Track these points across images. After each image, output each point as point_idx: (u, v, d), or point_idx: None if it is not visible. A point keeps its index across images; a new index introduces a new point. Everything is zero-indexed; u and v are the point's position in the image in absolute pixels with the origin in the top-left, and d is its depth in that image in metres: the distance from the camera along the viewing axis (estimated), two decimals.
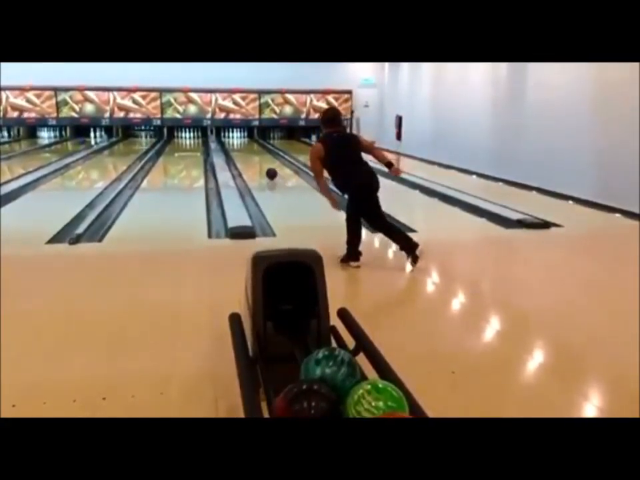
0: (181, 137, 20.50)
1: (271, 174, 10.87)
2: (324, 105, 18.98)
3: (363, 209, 5.05)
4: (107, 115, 19.76)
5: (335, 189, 5.24)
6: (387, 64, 19.90)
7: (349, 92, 20.63)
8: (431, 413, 1.89)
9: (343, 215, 5.14)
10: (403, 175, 11.15)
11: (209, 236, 6.32)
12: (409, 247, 5.00)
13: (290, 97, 20.42)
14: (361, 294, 4.89)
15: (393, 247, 5.38)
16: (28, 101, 19.30)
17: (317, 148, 4.98)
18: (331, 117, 5.12)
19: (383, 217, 5.10)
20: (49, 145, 18.26)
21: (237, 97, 20.20)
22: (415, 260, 4.97)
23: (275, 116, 20.53)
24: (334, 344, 2.55)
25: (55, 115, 19.47)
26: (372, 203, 4.99)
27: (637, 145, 7.68)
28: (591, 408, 2.80)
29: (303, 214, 7.38)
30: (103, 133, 20.25)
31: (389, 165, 5.16)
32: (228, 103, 20.24)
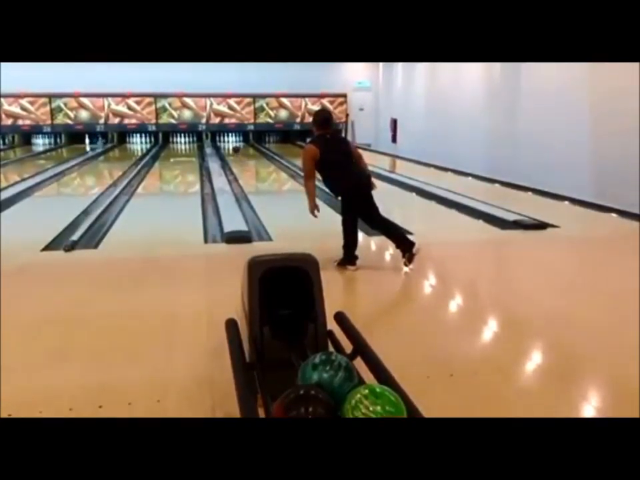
0: (176, 142, 20.47)
1: (235, 149, 15.22)
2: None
3: (359, 210, 5.04)
4: (102, 121, 19.72)
5: (326, 189, 5.22)
6: (381, 67, 19.93)
7: (344, 95, 20.64)
8: (429, 417, 1.88)
9: (339, 219, 5.13)
10: (400, 178, 11.19)
11: (205, 241, 6.30)
12: (404, 246, 4.99)
13: (285, 100, 20.43)
14: (357, 297, 4.88)
15: (390, 250, 5.37)
16: (22, 108, 19.26)
17: (312, 149, 4.94)
18: (324, 118, 5.11)
19: (380, 215, 5.09)
20: (44, 152, 18.22)
21: (231, 101, 20.20)
22: (410, 259, 4.95)
23: (270, 120, 20.53)
24: (331, 348, 2.54)
25: (49, 121, 19.43)
26: (367, 203, 4.99)
27: (634, 144, 7.70)
28: (589, 408, 2.79)
29: (299, 218, 7.35)
30: (99, 139, 20.18)
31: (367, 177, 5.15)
32: (223, 108, 20.24)
